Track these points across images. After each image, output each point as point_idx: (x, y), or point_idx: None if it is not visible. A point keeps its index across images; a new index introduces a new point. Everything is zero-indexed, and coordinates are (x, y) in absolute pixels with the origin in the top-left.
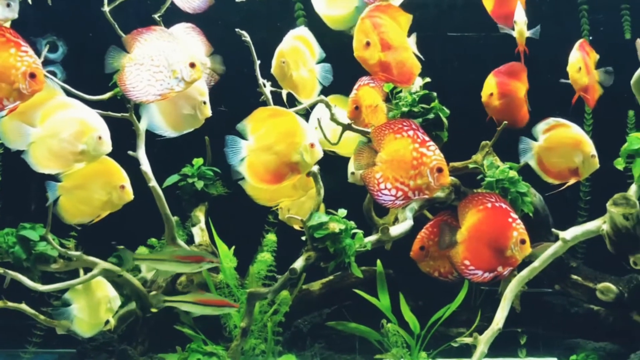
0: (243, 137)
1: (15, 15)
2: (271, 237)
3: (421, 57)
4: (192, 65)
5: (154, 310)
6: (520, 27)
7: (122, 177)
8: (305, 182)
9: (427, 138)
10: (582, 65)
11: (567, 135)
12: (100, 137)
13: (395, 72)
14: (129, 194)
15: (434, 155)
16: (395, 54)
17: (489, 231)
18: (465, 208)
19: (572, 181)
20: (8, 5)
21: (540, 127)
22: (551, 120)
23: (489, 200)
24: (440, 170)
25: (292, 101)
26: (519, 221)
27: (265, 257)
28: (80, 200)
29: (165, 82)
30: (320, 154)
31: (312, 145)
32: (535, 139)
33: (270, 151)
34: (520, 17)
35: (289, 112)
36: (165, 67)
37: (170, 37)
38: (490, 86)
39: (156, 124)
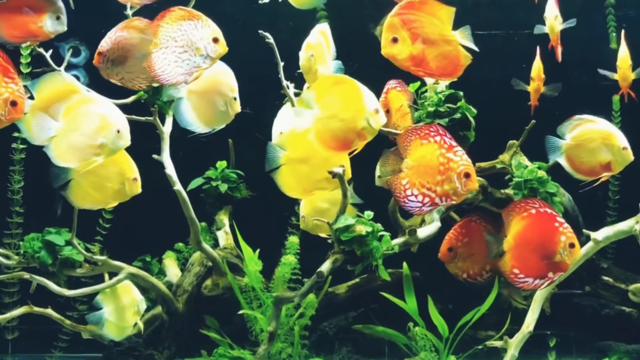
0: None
1: (65, 28)
2: (294, 240)
3: (475, 48)
4: (215, 40)
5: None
6: (551, 23)
7: (134, 169)
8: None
9: (454, 143)
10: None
11: (594, 130)
12: (118, 131)
13: (433, 65)
14: (139, 187)
15: (461, 160)
16: (433, 48)
17: (536, 238)
18: (509, 216)
19: (605, 176)
20: (58, 18)
21: (566, 125)
22: (576, 118)
23: (533, 207)
24: (467, 175)
25: None
26: (566, 225)
27: (289, 260)
28: (92, 186)
29: (192, 60)
30: (384, 120)
31: (376, 110)
32: (561, 139)
33: (337, 118)
34: (550, 12)
35: (350, 79)
36: (189, 46)
37: (191, 15)
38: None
39: (188, 120)
